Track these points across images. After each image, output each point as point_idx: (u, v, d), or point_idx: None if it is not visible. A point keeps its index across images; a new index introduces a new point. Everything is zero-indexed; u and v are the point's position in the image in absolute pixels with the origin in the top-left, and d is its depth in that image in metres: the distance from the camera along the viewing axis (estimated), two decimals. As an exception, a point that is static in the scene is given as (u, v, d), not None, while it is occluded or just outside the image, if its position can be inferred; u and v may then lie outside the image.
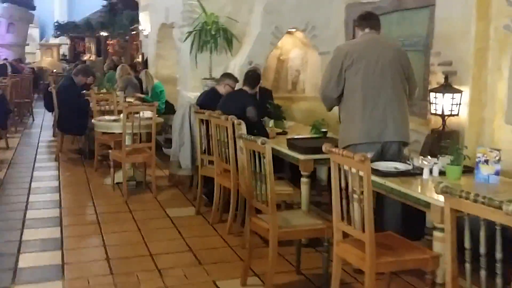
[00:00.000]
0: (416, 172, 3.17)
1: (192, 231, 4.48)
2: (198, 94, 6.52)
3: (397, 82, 3.62)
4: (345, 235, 2.86)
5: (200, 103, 5.33)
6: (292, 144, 4.22)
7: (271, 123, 5.30)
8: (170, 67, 9.29)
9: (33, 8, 23.52)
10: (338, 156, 2.68)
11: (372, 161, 3.17)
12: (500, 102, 4.03)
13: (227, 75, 5.60)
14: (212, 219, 4.65)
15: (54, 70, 17.57)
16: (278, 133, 4.97)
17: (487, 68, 4.11)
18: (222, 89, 5.42)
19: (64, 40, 25.25)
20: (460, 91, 4.15)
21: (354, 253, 2.72)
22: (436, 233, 2.74)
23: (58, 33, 23.70)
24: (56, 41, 25.32)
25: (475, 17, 4.07)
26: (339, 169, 2.76)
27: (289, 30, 6.73)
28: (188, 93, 6.76)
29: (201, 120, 4.85)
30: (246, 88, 5.07)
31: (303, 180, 4.04)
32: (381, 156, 3.50)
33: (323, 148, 2.77)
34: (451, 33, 4.34)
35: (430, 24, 4.84)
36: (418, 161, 3.24)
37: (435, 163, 3.19)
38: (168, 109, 8.14)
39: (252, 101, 4.88)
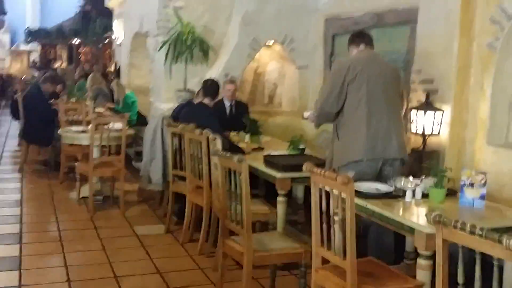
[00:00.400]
0: (398, 194, 3.03)
1: (160, 251, 4.24)
2: (172, 105, 6.31)
3: (397, 98, 3.59)
4: (325, 260, 2.69)
5: (176, 116, 5.12)
6: (269, 161, 4.04)
7: (246, 137, 5.11)
8: (143, 77, 9.05)
9: (4, 12, 22.98)
10: (319, 177, 2.50)
11: (371, 179, 3.14)
12: (482, 122, 3.93)
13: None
14: (182, 238, 4.42)
15: (23, 77, 17.08)
16: (253, 149, 4.79)
17: (469, 87, 4.01)
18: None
19: (35, 46, 24.69)
20: (441, 110, 4.04)
21: (334, 281, 2.53)
22: (420, 261, 2.58)
23: (29, 39, 23.16)
24: (27, 47, 24.75)
25: (458, 34, 3.99)
26: (320, 191, 2.58)
27: (267, 42, 6.59)
28: (161, 104, 6.53)
29: (174, 134, 4.64)
30: (207, 100, 4.86)
31: (280, 199, 3.86)
32: (380, 173, 3.41)
33: (304, 168, 2.59)
34: (432, 50, 4.25)
35: (411, 40, 4.76)
36: (400, 182, 3.09)
37: (417, 185, 3.05)
38: (140, 121, 7.88)
39: (211, 119, 4.61)
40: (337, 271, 2.54)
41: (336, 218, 2.53)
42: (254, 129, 5.16)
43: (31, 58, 24.83)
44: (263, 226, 4.15)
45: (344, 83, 3.45)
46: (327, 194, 2.54)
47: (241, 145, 4.86)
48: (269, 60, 7.15)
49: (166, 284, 3.58)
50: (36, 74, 17.85)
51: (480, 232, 1.68)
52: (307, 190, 5.23)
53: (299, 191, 5.15)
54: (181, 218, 4.54)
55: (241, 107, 5.98)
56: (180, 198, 4.68)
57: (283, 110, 7.05)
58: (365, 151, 3.37)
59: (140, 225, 4.88)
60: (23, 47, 25.04)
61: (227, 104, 5.79)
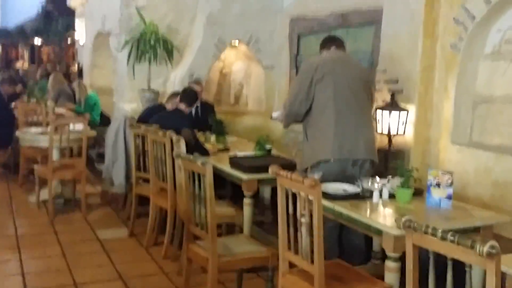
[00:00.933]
0: (366, 195, 2.99)
1: (124, 255, 4.11)
2: (135, 106, 6.17)
3: (365, 99, 3.55)
4: (292, 264, 2.63)
5: (144, 119, 4.97)
6: (235, 162, 3.96)
7: (212, 138, 5.02)
8: (106, 77, 8.83)
9: (-38, 11, 22.17)
10: (286, 180, 2.44)
11: (343, 180, 3.10)
12: (446, 121, 3.96)
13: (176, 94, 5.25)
14: (146, 242, 4.30)
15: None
16: (219, 149, 4.70)
17: (433, 87, 4.03)
18: (170, 106, 5.10)
19: (-4, 46, 23.94)
20: (406, 110, 4.05)
21: (302, 286, 2.47)
22: (388, 263, 2.55)
23: (-11, 39, 22.44)
24: (-13, 47, 23.97)
25: (422, 35, 4.00)
26: (287, 193, 2.52)
27: (232, 42, 6.51)
28: (125, 104, 6.37)
29: (137, 135, 4.51)
30: (182, 106, 4.74)
31: (246, 201, 3.78)
32: (348, 174, 3.34)
33: (270, 171, 2.52)
34: (397, 50, 4.26)
35: (375, 40, 4.76)
36: (368, 182, 3.06)
37: (384, 185, 3.03)
38: (104, 122, 7.68)
39: (187, 122, 4.53)
40: (305, 276, 2.48)
41: (303, 220, 2.47)
42: (220, 130, 5.07)
43: (-9, 58, 24.07)
44: (229, 228, 4.07)
45: (311, 83, 3.40)
46: (294, 197, 2.48)
47: (206, 146, 4.77)
48: (235, 60, 7.08)
49: (129, 291, 3.46)
50: (-3, 74, 17.27)
51: (452, 238, 1.63)
52: (274, 191, 5.20)
53: (266, 192, 5.09)
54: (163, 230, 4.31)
55: (206, 108, 5.89)
56: (144, 200, 4.56)
57: (250, 110, 6.99)
58: (332, 151, 3.33)
59: (102, 228, 4.74)
60: (-18, 46, 24.23)
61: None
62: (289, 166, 3.84)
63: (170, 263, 3.94)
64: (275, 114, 3.91)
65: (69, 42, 15.77)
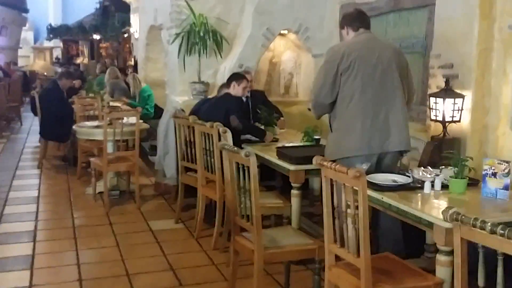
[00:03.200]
0: (416, 186, 2.88)
1: (175, 246, 4.17)
2: (186, 98, 6.22)
3: (398, 86, 3.26)
4: (339, 257, 2.57)
5: (195, 113, 5.00)
6: (282, 153, 3.91)
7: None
8: (159, 70, 9.00)
9: (26, 11, 23.20)
10: (330, 171, 2.38)
11: (368, 172, 2.90)
12: (505, 107, 3.75)
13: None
14: (197, 233, 4.34)
15: (45, 74, 17.25)
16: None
17: (491, 71, 3.83)
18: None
19: (58, 43, 24.94)
20: (462, 96, 3.86)
21: (348, 280, 2.41)
22: (440, 257, 2.44)
23: (52, 36, 23.40)
24: (50, 44, 25.02)
25: (478, 16, 3.80)
26: (332, 185, 2.46)
27: (281, 31, 6.44)
28: (176, 97, 6.45)
29: (185, 126, 4.55)
30: (231, 88, 4.76)
31: (294, 192, 3.74)
32: (376, 166, 3.20)
33: (314, 161, 2.46)
34: (452, 34, 4.06)
35: (429, 24, 4.57)
36: (418, 173, 2.94)
37: (437, 175, 2.90)
38: (158, 114, 7.82)
39: (236, 107, 4.52)
40: (351, 269, 2.42)
41: (349, 212, 2.40)
42: (269, 120, 5.03)
43: (54, 55, 25.12)
44: (279, 219, 4.04)
45: (337, 73, 3.18)
46: (339, 189, 2.41)
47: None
48: (284, 50, 7.01)
49: (179, 281, 3.50)
50: (59, 70, 18.00)
51: (502, 231, 1.52)
52: (322, 189, 5.14)
53: (316, 183, 5.02)
54: (211, 220, 4.37)
55: (257, 96, 5.85)
56: (192, 191, 4.61)
57: (300, 100, 6.91)
58: (359, 148, 3.15)
59: (155, 219, 4.83)
60: (46, 44, 25.33)
61: (243, 99, 5.66)
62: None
63: (219, 254, 3.96)
64: (309, 105, 3.83)
65: (125, 36, 16.15)
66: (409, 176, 2.95)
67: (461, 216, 1.72)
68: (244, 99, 5.71)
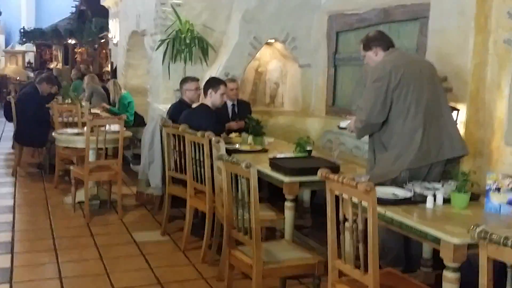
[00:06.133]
0: (418, 200, 2.81)
1: (161, 259, 4.01)
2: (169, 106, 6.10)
3: (441, 94, 3.37)
4: (341, 272, 2.47)
5: (170, 116, 4.91)
6: (276, 164, 3.81)
7: (249, 139, 4.88)
8: (140, 77, 8.84)
9: (-2, 13, 22.67)
10: (336, 184, 2.29)
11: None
12: (500, 121, 3.73)
13: (183, 80, 5.21)
14: (184, 245, 4.20)
15: (17, 78, 16.81)
16: (257, 151, 4.57)
17: (485, 85, 3.81)
18: (186, 97, 5.05)
19: (31, 47, 24.39)
20: (456, 109, 3.83)
21: (354, 298, 2.32)
22: (447, 273, 2.36)
23: (24, 39, 22.85)
24: (22, 48, 24.45)
25: (474, 29, 3.78)
26: (337, 198, 2.37)
27: (268, 40, 6.38)
28: (160, 105, 6.31)
29: (172, 135, 4.41)
30: (204, 98, 4.63)
31: (288, 204, 3.63)
32: (426, 175, 3.20)
33: (319, 174, 2.37)
34: (446, 46, 4.04)
35: (421, 37, 4.57)
36: (419, 187, 2.89)
37: (437, 190, 2.85)
38: (138, 122, 7.68)
39: (209, 123, 4.31)
40: (356, 285, 2.33)
41: (356, 227, 2.31)
42: (257, 130, 4.94)
43: (27, 59, 24.55)
44: (270, 232, 3.93)
45: (388, 91, 3.19)
46: (345, 203, 2.32)
47: (243, 147, 4.65)
48: (271, 59, 6.94)
49: (168, 297, 3.36)
50: (32, 75, 17.58)
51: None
52: (314, 193, 5.06)
53: (305, 194, 4.95)
54: (198, 232, 4.26)
55: (243, 107, 5.77)
56: (177, 202, 4.48)
57: (285, 110, 6.84)
58: (419, 158, 3.15)
59: (139, 231, 4.66)
60: (18, 47, 24.74)
61: (229, 104, 5.58)
62: (333, 168, 3.69)
63: (209, 267, 3.83)
64: (343, 124, 3.75)
65: (102, 42, 15.90)
66: (410, 190, 2.88)
67: (489, 234, 1.64)
68: (230, 107, 5.64)
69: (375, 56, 3.43)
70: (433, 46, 4.18)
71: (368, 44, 3.46)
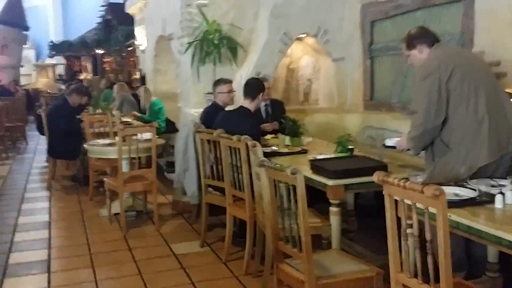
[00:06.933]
0: (484, 200, 2.52)
1: (202, 272, 3.81)
2: (201, 110, 5.92)
3: (497, 82, 3.12)
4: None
5: (203, 121, 4.70)
6: (317, 166, 3.55)
7: (287, 140, 4.64)
8: (169, 82, 8.70)
9: (27, 28, 23.04)
10: (397, 188, 2.02)
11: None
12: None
13: (216, 83, 4.96)
14: (225, 256, 3.99)
15: (48, 91, 17.00)
16: (296, 152, 4.32)
17: (544, 67, 3.48)
18: (219, 99, 4.81)
19: (60, 60, 24.74)
20: (512, 95, 3.51)
21: (423, 316, 2.05)
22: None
23: (53, 52, 23.18)
24: (52, 61, 24.82)
25: (528, 7, 3.46)
26: (396, 204, 2.11)
27: (298, 35, 6.11)
28: (191, 110, 6.12)
29: (207, 141, 4.21)
30: (246, 102, 4.36)
31: (333, 209, 3.37)
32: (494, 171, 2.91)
33: (375, 178, 2.11)
34: (496, 28, 3.72)
35: (466, 19, 4.23)
36: (484, 185, 2.59)
37: (504, 187, 2.54)
38: (169, 128, 7.52)
39: (249, 124, 4.08)
40: (425, 302, 2.06)
41: (425, 236, 2.05)
42: (295, 130, 4.68)
43: (57, 72, 24.91)
44: (314, 240, 3.67)
45: (441, 85, 2.91)
46: (408, 208, 2.06)
47: (281, 149, 4.41)
48: (302, 55, 6.69)
49: (213, 314, 3.15)
50: (63, 87, 17.77)
51: None
52: (357, 195, 4.78)
53: (349, 196, 4.67)
54: (242, 237, 3.98)
55: (277, 107, 5.54)
56: (215, 209, 4.27)
57: (320, 107, 6.57)
58: (493, 152, 2.85)
59: (177, 242, 4.47)
60: (48, 61, 25.13)
61: (261, 104, 5.34)
62: (379, 168, 3.42)
63: (252, 280, 3.61)
64: (390, 142, 3.49)
65: (130, 49, 15.92)
66: (474, 189, 2.59)
67: None
68: (263, 107, 5.41)
69: (420, 54, 3.16)
70: (482, 29, 3.86)
71: (411, 43, 3.18)
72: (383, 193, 2.15)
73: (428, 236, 1.98)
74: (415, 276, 2.09)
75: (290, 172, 2.35)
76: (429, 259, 1.98)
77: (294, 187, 2.42)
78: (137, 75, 12.72)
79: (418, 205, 1.99)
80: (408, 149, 3.22)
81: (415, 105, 3.05)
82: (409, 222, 2.12)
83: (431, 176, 2.83)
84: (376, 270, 2.52)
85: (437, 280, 1.99)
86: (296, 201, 2.43)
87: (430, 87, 2.94)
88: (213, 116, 4.54)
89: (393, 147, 3.45)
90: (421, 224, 2.07)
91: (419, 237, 2.06)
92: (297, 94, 6.72)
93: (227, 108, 4.76)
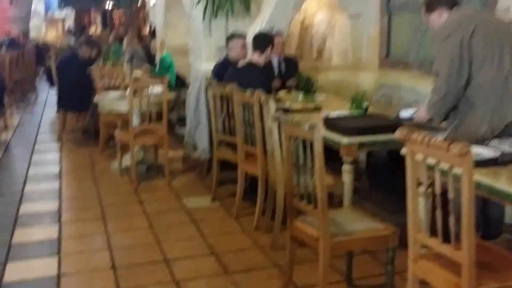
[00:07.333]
0: (506, 160, 2.44)
1: (213, 227, 3.80)
2: (213, 65, 5.81)
3: None
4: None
5: (215, 76, 4.60)
6: (331, 124, 3.47)
7: (300, 96, 4.55)
8: (180, 37, 8.52)
9: (37, -20, 22.64)
10: (421, 146, 1.95)
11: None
12: None
13: (229, 37, 4.84)
14: (236, 212, 3.97)
15: (58, 44, 16.83)
16: (309, 109, 4.24)
17: None
18: (232, 54, 4.67)
19: (70, 13, 24.42)
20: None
21: (442, 276, 2.02)
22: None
23: (63, 5, 22.83)
24: (62, 14, 24.52)
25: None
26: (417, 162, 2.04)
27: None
28: (202, 64, 5.99)
29: (219, 96, 4.12)
30: (255, 57, 4.24)
31: (346, 168, 3.33)
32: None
33: (398, 134, 2.03)
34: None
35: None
36: (508, 145, 2.51)
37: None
38: (179, 83, 7.42)
39: (261, 80, 4.00)
40: (445, 262, 2.02)
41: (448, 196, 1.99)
42: (309, 87, 4.59)
43: (66, 25, 24.64)
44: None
45: (463, 42, 2.81)
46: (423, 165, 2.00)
47: (294, 105, 4.32)
48: (317, 10, 6.49)
49: (224, 268, 3.14)
50: (72, 40, 17.59)
51: None
52: (369, 153, 4.72)
53: (361, 154, 4.61)
54: (253, 193, 3.92)
55: (290, 63, 5.42)
56: (226, 166, 4.22)
57: (334, 65, 6.43)
58: None
59: (188, 196, 4.46)
60: (58, 14, 24.82)
61: (274, 60, 5.22)
62: (396, 127, 3.34)
63: (263, 235, 3.60)
64: (405, 113, 3.38)
65: (139, 4, 15.63)
66: (497, 149, 2.51)
67: None
68: (276, 63, 5.29)
69: (440, 18, 3.06)
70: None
71: (430, 6, 3.08)
72: (405, 150, 2.08)
73: (451, 195, 1.92)
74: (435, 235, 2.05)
75: (308, 127, 2.28)
76: (451, 219, 1.93)
77: (311, 143, 2.35)
78: (147, 30, 12.53)
79: (444, 163, 1.92)
80: (428, 120, 3.13)
81: (437, 66, 2.97)
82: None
83: (452, 137, 2.75)
84: (392, 228, 2.48)
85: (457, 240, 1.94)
86: (312, 157, 2.37)
87: (453, 46, 2.85)
88: (224, 71, 4.45)
89: (409, 119, 3.31)
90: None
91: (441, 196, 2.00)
92: (310, 51, 6.57)
93: (240, 63, 4.66)
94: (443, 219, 2.01)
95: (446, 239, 1.99)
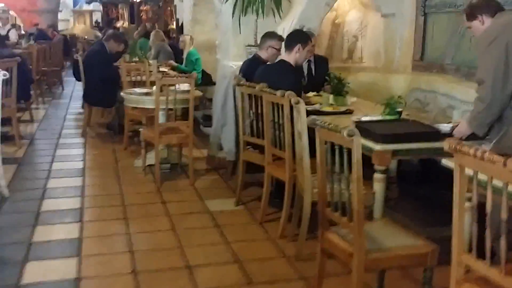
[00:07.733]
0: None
1: (237, 232, 3.67)
2: (241, 63, 5.68)
3: None
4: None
5: (243, 74, 4.45)
6: (363, 129, 3.27)
7: (330, 99, 4.39)
8: (207, 33, 8.42)
9: (66, -27, 22.83)
10: (472, 159, 1.78)
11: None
12: None
13: (268, 35, 4.60)
14: (261, 217, 3.83)
15: (85, 37, 16.93)
16: (340, 112, 4.07)
17: None
18: (265, 53, 4.48)
19: (97, 6, 24.59)
20: None
21: (489, 303, 1.84)
22: None
23: (91, -1, 23.03)
24: (90, 7, 24.70)
25: None
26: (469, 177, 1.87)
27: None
28: (230, 62, 5.87)
29: (248, 95, 3.98)
30: (286, 54, 4.06)
31: (378, 176, 3.14)
32: None
33: (446, 145, 1.86)
34: None
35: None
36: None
37: None
38: (206, 80, 7.32)
39: (289, 80, 3.80)
40: (491, 286, 1.85)
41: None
42: (340, 89, 4.42)
43: (94, 18, 24.82)
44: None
45: (508, 46, 2.69)
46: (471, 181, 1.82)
47: (325, 108, 4.16)
48: (349, 9, 6.30)
49: (248, 278, 3.00)
50: (99, 34, 17.65)
51: None
52: (400, 161, 4.52)
53: (392, 162, 4.41)
54: (279, 198, 3.82)
55: (320, 64, 5.25)
56: (251, 167, 4.08)
57: (365, 66, 6.23)
58: None
59: (211, 199, 4.34)
60: (86, 7, 25.01)
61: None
62: (433, 135, 3.16)
63: (288, 244, 3.45)
64: (443, 128, 3.18)
65: (167, -1, 15.63)
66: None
67: None
68: (305, 64, 5.13)
69: (482, 25, 2.93)
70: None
71: (472, 13, 2.96)
72: (454, 163, 1.91)
73: (504, 216, 1.74)
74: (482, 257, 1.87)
75: (347, 133, 2.13)
76: (502, 241, 1.76)
77: (348, 150, 2.19)
78: (174, 25, 12.47)
79: (498, 179, 1.75)
80: (470, 135, 2.95)
81: (481, 74, 2.82)
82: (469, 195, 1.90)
83: (498, 148, 2.56)
84: (432, 246, 2.30)
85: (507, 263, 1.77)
86: (349, 165, 2.21)
87: (497, 51, 2.72)
88: (254, 69, 4.30)
89: (448, 135, 3.08)
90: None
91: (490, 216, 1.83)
92: (341, 51, 6.38)
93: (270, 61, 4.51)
94: (492, 240, 1.84)
95: (495, 262, 1.82)
